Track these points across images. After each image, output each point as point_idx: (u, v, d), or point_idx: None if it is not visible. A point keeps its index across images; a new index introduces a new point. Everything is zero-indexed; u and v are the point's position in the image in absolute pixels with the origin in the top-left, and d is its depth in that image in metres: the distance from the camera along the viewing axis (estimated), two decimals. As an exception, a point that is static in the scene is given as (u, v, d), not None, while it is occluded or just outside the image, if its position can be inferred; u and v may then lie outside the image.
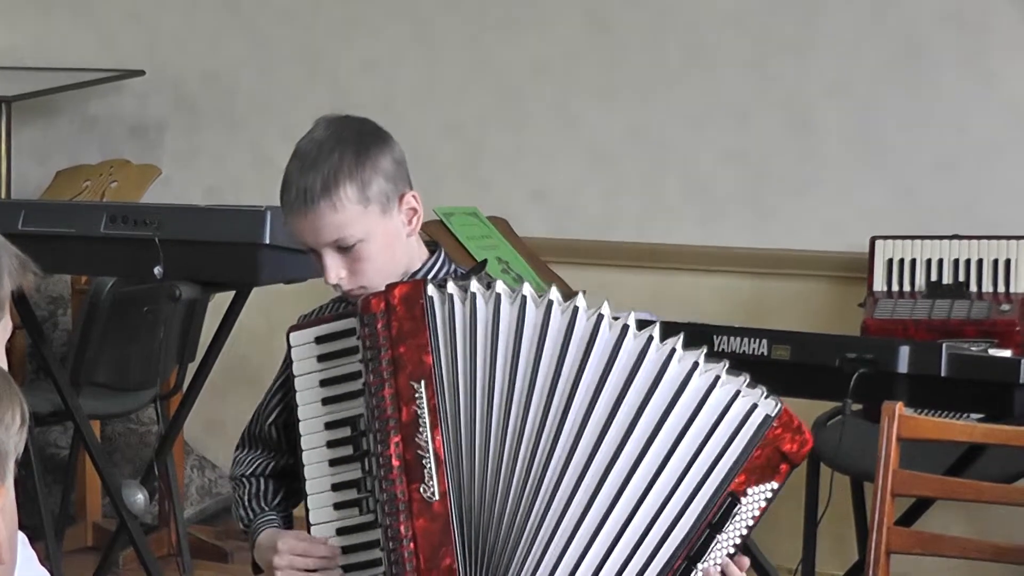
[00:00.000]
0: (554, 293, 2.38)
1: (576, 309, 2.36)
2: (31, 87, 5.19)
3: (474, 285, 2.39)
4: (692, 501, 2.35)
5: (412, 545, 2.34)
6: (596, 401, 2.34)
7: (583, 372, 2.34)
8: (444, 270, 2.59)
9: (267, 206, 3.63)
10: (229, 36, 5.32)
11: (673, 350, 2.37)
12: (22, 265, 2.19)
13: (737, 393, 2.36)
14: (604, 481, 2.33)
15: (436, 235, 4.33)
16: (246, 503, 2.65)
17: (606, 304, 2.38)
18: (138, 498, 4.01)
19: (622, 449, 2.33)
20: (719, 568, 2.37)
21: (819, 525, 3.83)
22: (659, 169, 4.76)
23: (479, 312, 2.37)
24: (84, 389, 4.26)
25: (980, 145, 4.38)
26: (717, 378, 2.36)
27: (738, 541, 2.38)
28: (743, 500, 2.37)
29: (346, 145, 2.49)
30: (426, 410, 2.36)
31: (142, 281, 3.98)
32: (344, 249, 2.48)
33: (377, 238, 2.48)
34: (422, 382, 2.36)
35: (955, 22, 4.39)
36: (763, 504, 2.38)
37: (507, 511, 2.34)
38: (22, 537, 2.19)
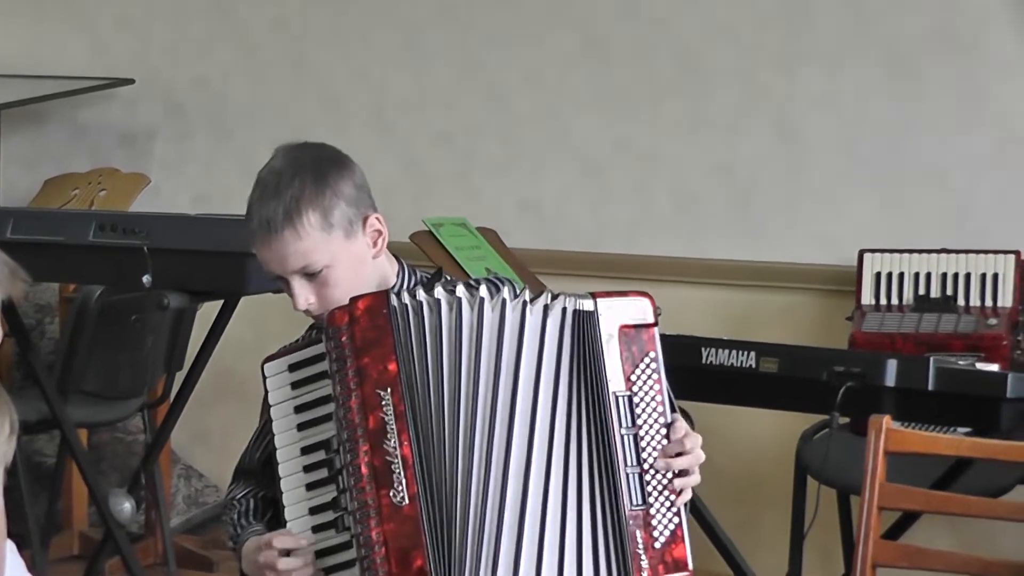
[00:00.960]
0: (507, 291, 2.42)
1: (523, 304, 2.40)
2: (21, 95, 5.18)
3: (437, 291, 2.42)
4: (581, 426, 2.38)
5: (384, 550, 2.36)
6: (498, 380, 2.39)
7: (519, 362, 2.39)
8: (413, 279, 2.63)
9: (256, 216, 3.62)
10: (219, 45, 5.32)
11: (524, 303, 2.41)
12: (12, 273, 2.19)
13: (546, 310, 2.39)
14: (512, 449, 2.37)
15: (424, 245, 4.34)
16: (235, 521, 2.66)
17: (547, 293, 2.43)
18: (125, 507, 4.00)
19: (514, 416, 2.37)
20: (663, 450, 2.40)
21: (805, 538, 3.83)
22: (648, 181, 4.77)
23: (443, 317, 2.40)
24: (71, 397, 4.25)
25: (968, 159, 4.39)
26: (525, 304, 2.39)
27: (665, 420, 2.41)
28: (633, 389, 2.40)
29: (306, 172, 2.50)
30: (393, 416, 2.38)
31: (130, 290, 3.97)
32: (311, 275, 2.50)
33: (343, 263, 2.51)
34: (388, 389, 2.38)
35: (943, 36, 4.40)
36: (655, 376, 2.41)
37: (471, 507, 2.36)
38: (10, 544, 2.19)
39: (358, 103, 5.11)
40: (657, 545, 2.38)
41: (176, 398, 4.10)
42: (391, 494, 2.36)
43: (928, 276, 4.22)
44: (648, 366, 2.42)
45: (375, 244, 2.56)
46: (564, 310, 2.41)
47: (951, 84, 4.40)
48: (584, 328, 2.41)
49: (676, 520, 2.40)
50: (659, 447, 2.41)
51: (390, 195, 5.01)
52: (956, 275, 4.20)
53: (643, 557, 2.37)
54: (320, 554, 2.45)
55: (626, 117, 4.77)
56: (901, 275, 4.24)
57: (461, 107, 4.99)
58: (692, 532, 3.05)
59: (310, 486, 2.46)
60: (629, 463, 2.39)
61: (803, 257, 4.56)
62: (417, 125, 5.03)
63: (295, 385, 2.49)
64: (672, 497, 2.40)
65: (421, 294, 2.42)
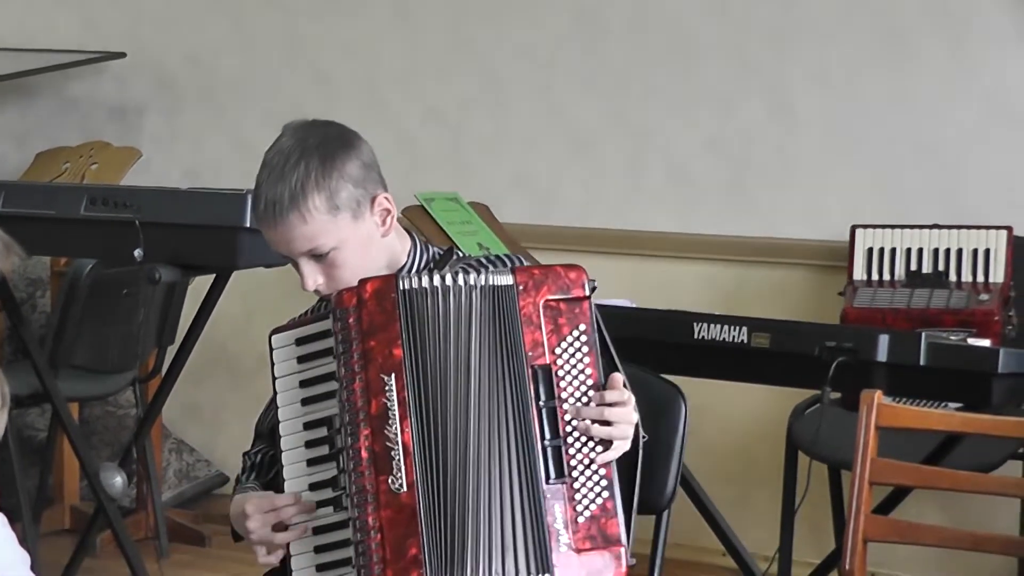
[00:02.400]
0: (490, 278, 2.42)
1: (490, 289, 2.40)
2: (11, 68, 5.17)
3: (447, 279, 2.41)
4: (507, 399, 2.38)
5: (379, 536, 2.36)
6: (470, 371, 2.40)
7: (471, 347, 2.40)
8: (425, 259, 2.61)
9: (247, 189, 3.59)
10: (210, 19, 5.31)
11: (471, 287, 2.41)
12: (6, 247, 2.18)
13: (489, 290, 2.40)
14: (493, 437, 2.38)
15: (416, 220, 4.33)
16: (241, 477, 2.66)
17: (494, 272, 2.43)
18: (116, 481, 4.00)
19: (481, 402, 2.39)
20: (585, 413, 2.38)
21: (796, 513, 3.84)
22: (640, 156, 4.76)
23: (443, 305, 2.40)
24: (62, 371, 4.25)
25: (961, 134, 4.39)
26: (486, 288, 2.40)
27: (589, 393, 2.39)
28: (556, 361, 2.39)
29: (311, 154, 2.48)
30: (395, 402, 2.37)
31: (122, 264, 3.96)
32: (319, 256, 2.50)
33: (350, 244, 2.50)
34: (392, 375, 2.38)
35: (936, 10, 4.39)
36: (585, 350, 2.40)
37: (469, 496, 2.36)
38: (1, 518, 2.19)
39: (350, 78, 5.10)
40: (581, 519, 2.36)
41: (167, 372, 4.10)
42: (389, 480, 2.35)
43: (920, 252, 4.22)
44: (577, 339, 2.40)
45: (383, 223, 2.55)
46: (483, 288, 2.40)
47: (943, 59, 4.39)
48: (502, 303, 2.40)
49: (606, 493, 2.37)
50: (583, 416, 2.39)
51: (382, 170, 5.02)
52: (948, 251, 4.20)
53: (562, 532, 2.35)
54: (316, 530, 2.44)
55: (618, 92, 4.77)
56: (893, 250, 4.24)
57: (453, 82, 4.98)
58: (683, 507, 3.06)
59: (311, 462, 2.46)
60: (547, 436, 2.38)
61: (795, 232, 4.56)
62: (409, 100, 5.02)
63: (301, 359, 2.48)
64: (598, 458, 2.38)
65: (426, 279, 2.41)
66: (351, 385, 2.39)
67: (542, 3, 4.84)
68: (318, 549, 2.44)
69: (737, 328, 3.36)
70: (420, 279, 2.41)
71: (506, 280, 2.41)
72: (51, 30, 5.45)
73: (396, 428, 2.37)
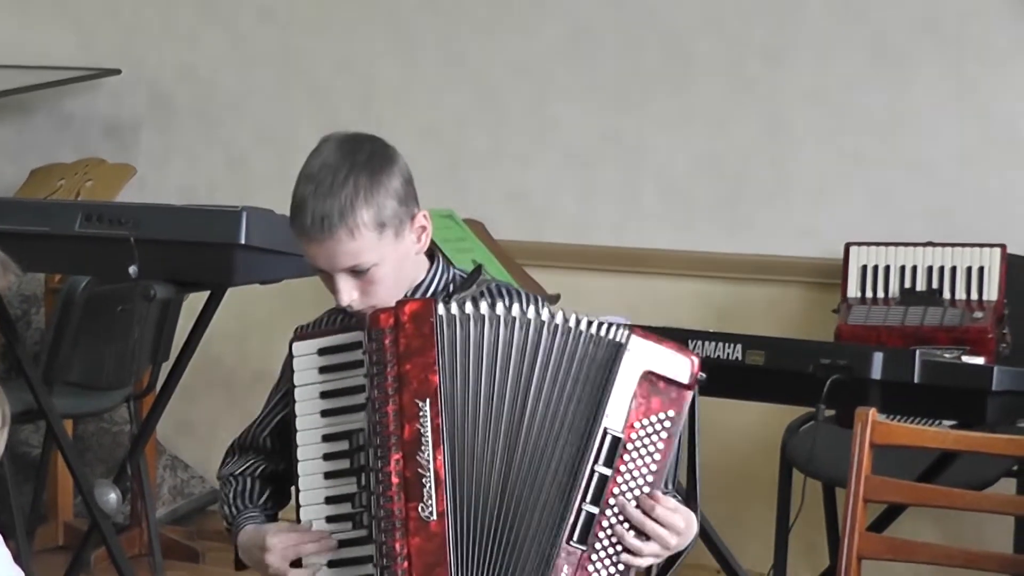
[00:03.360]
0: (559, 316, 2.41)
1: (580, 333, 2.39)
2: (6, 85, 5.16)
3: (483, 306, 2.40)
4: (565, 445, 2.37)
5: (406, 564, 2.34)
6: (537, 404, 2.39)
7: (543, 386, 2.39)
8: (445, 277, 2.60)
9: (243, 207, 3.62)
10: (206, 36, 5.31)
11: (559, 325, 2.40)
12: (3, 266, 2.18)
13: (579, 335, 2.39)
14: (538, 473, 2.37)
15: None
16: (231, 500, 2.64)
17: (584, 317, 2.41)
18: (110, 498, 4.00)
19: (540, 435, 2.38)
20: (633, 508, 2.37)
21: (791, 530, 3.84)
22: (635, 173, 4.77)
23: (485, 334, 2.39)
24: (57, 388, 4.24)
25: (955, 153, 4.40)
26: (576, 330, 2.39)
27: (647, 479, 2.37)
28: (631, 435, 2.37)
29: (360, 170, 2.46)
30: (429, 429, 2.35)
31: (116, 280, 3.96)
32: (358, 272, 2.47)
33: (390, 261, 2.48)
34: (427, 400, 2.36)
35: (931, 29, 4.40)
36: (664, 436, 2.38)
37: (502, 530, 2.35)
38: (-4, 536, 2.19)
39: (345, 94, 5.10)
40: None
41: (162, 389, 4.10)
42: (420, 508, 2.34)
43: (914, 269, 4.23)
44: (660, 422, 2.38)
45: (419, 240, 2.54)
46: (594, 335, 2.39)
47: (939, 77, 4.40)
48: (604, 353, 2.38)
49: None
50: (629, 500, 2.37)
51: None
52: (942, 268, 4.21)
53: None
54: None
55: (613, 109, 4.77)
56: (887, 268, 4.24)
57: (448, 99, 4.98)
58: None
59: (328, 475, 2.44)
60: (588, 499, 2.36)
61: (790, 250, 4.56)
62: (404, 116, 5.02)
63: (323, 370, 2.47)
64: (622, 556, 2.37)
65: (470, 306, 2.40)
66: (384, 408, 2.37)
67: (537, 20, 4.85)
68: (332, 564, 2.43)
69: (732, 345, 3.36)
70: (463, 306, 2.40)
71: (619, 335, 2.39)
72: (46, 47, 5.45)
73: (429, 455, 2.35)
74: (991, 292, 4.13)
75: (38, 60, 5.37)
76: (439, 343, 2.38)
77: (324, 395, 2.46)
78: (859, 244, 4.27)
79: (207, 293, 3.91)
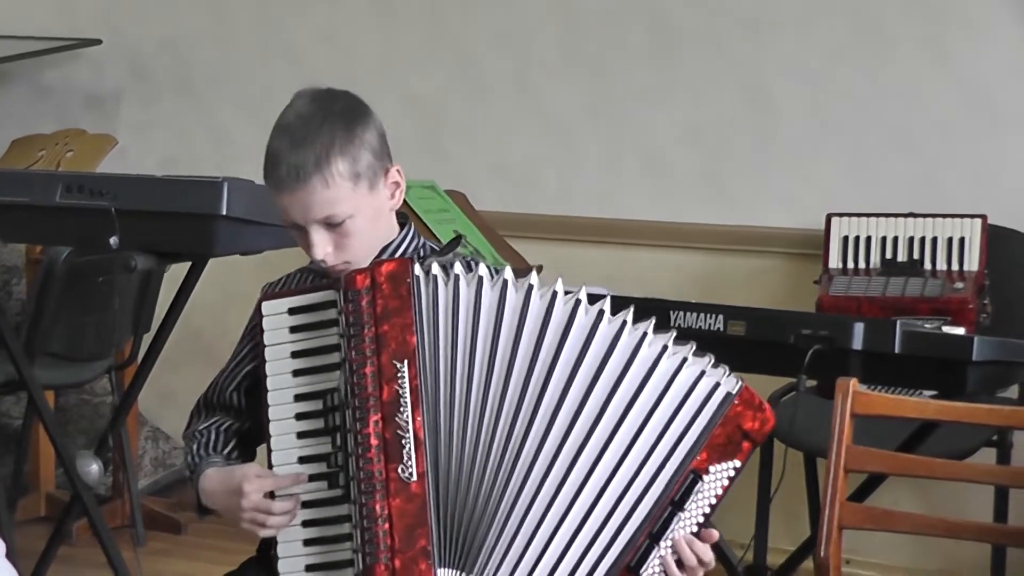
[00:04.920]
0: (534, 277, 2.39)
1: (555, 294, 2.37)
2: (-15, 55, 5.15)
3: (457, 267, 2.39)
4: (656, 478, 2.37)
5: (387, 525, 2.33)
6: (571, 384, 2.35)
7: (559, 356, 2.35)
8: (415, 244, 2.60)
9: (224, 177, 3.61)
10: (187, 6, 5.29)
11: (644, 334, 2.39)
12: None
13: (702, 373, 2.38)
14: (575, 462, 2.35)
15: (393, 208, 4.33)
16: (195, 451, 2.62)
17: (583, 289, 2.40)
18: (92, 469, 3.99)
19: (594, 430, 2.35)
20: (684, 543, 2.39)
21: (772, 501, 3.85)
22: (617, 145, 4.77)
23: (461, 295, 2.37)
24: (38, 359, 4.24)
25: (936, 124, 4.40)
26: (684, 360, 2.38)
27: (701, 519, 2.40)
28: (705, 478, 2.38)
29: (335, 120, 2.46)
30: (408, 390, 2.35)
31: (97, 251, 3.95)
32: (332, 225, 2.47)
33: (365, 213, 2.48)
34: (405, 362, 2.35)
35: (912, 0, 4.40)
36: (725, 483, 2.40)
37: (482, 493, 2.35)
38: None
39: (326, 66, 5.09)
40: None
41: (143, 360, 4.09)
42: (399, 469, 2.33)
43: (895, 240, 4.23)
44: (727, 470, 2.40)
45: (393, 196, 2.54)
46: (712, 382, 2.38)
47: (919, 48, 4.40)
48: (718, 403, 2.38)
49: None
50: (682, 537, 2.39)
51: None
52: (923, 239, 4.21)
53: None
54: (305, 504, 2.43)
55: (595, 80, 4.77)
56: (868, 239, 4.25)
57: (430, 70, 4.97)
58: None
59: (301, 434, 2.43)
60: (653, 529, 2.37)
61: (771, 221, 4.57)
62: (386, 88, 5.01)
63: (294, 329, 2.45)
64: None
65: (446, 268, 2.39)
66: (362, 369, 2.36)
67: (519, -9, 4.84)
68: (306, 524, 2.42)
69: (713, 316, 3.36)
70: (441, 267, 2.39)
71: (732, 386, 2.39)
72: (26, 17, 5.43)
73: (408, 416, 2.34)
74: (972, 263, 4.14)
75: (18, 30, 5.35)
76: (416, 304, 2.37)
77: (295, 355, 2.45)
78: (840, 215, 4.28)
79: (188, 264, 3.90)
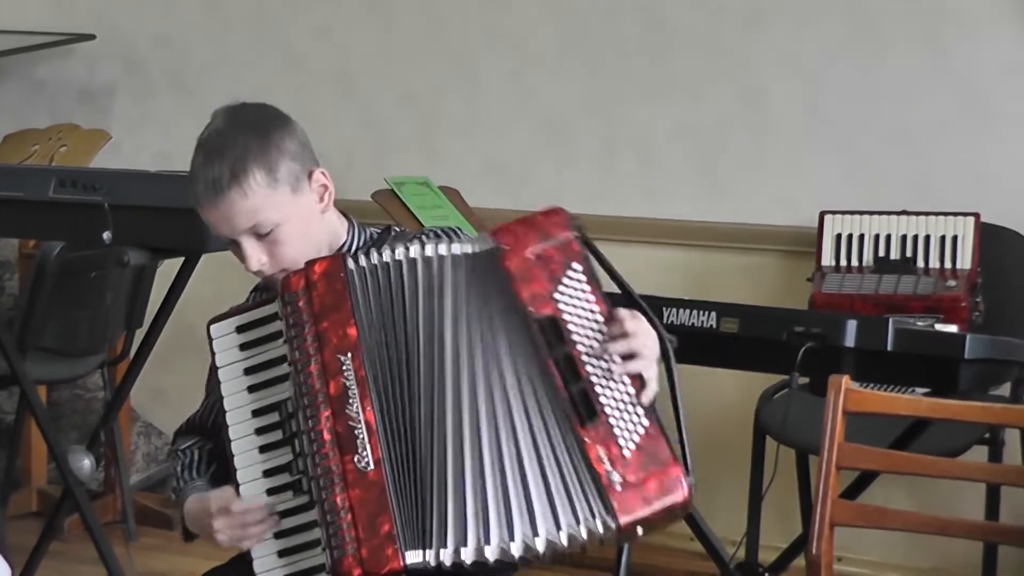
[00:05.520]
0: (454, 247, 2.42)
1: (464, 257, 2.40)
2: (-21, 49, 5.15)
3: (389, 254, 2.41)
4: (516, 365, 2.36)
5: (349, 516, 2.34)
6: (443, 337, 2.39)
7: (444, 318, 2.39)
8: (363, 236, 2.62)
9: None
10: (180, 2, 5.29)
11: (442, 257, 2.41)
12: None
13: (463, 259, 2.40)
14: (478, 414, 2.36)
15: (387, 204, 4.33)
16: (179, 473, 2.66)
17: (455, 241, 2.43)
18: (84, 464, 3.99)
19: (462, 369, 2.37)
20: (617, 361, 2.35)
21: (764, 498, 3.85)
22: (612, 142, 4.77)
23: (392, 280, 2.40)
24: (30, 354, 4.23)
25: (930, 122, 4.40)
26: (443, 259, 2.41)
27: (601, 326, 2.35)
28: (560, 307, 2.36)
29: (249, 131, 2.48)
30: (354, 381, 2.37)
31: (90, 246, 3.95)
32: (261, 235, 2.49)
33: (292, 220, 2.49)
34: (348, 354, 2.38)
35: (907, -1, 4.41)
36: (586, 286, 2.37)
37: (435, 469, 2.35)
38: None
39: (321, 62, 5.09)
40: (627, 453, 2.31)
41: (136, 355, 4.09)
42: (355, 459, 2.34)
43: (888, 238, 4.24)
44: (573, 279, 2.38)
45: (322, 199, 2.54)
46: (467, 255, 2.40)
47: (914, 46, 4.41)
48: (486, 268, 2.39)
49: (646, 420, 2.32)
50: (611, 359, 2.34)
51: (353, 154, 5.02)
52: (916, 237, 4.21)
53: (612, 472, 2.30)
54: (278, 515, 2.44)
55: (590, 77, 4.77)
56: (861, 236, 4.25)
57: (425, 66, 4.97)
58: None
59: (263, 448, 2.45)
60: (570, 383, 2.34)
61: (765, 218, 4.57)
62: (381, 84, 5.01)
63: (244, 347, 2.48)
64: (633, 398, 2.33)
65: (375, 256, 2.41)
66: (307, 368, 2.38)
67: (514, -13, 4.84)
68: (279, 535, 2.43)
69: (706, 313, 3.36)
70: (369, 256, 2.41)
71: (486, 245, 2.40)
72: (19, 11, 5.42)
73: (357, 407, 2.36)
74: (965, 261, 4.15)
75: (12, 24, 5.34)
76: (352, 296, 2.39)
77: (248, 371, 2.47)
78: (833, 212, 4.28)
79: (181, 260, 3.90)
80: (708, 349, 3.40)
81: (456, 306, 2.39)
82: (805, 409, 3.45)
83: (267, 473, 2.44)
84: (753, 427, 3.99)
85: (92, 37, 5.28)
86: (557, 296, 2.38)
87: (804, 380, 3.44)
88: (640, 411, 2.34)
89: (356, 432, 2.35)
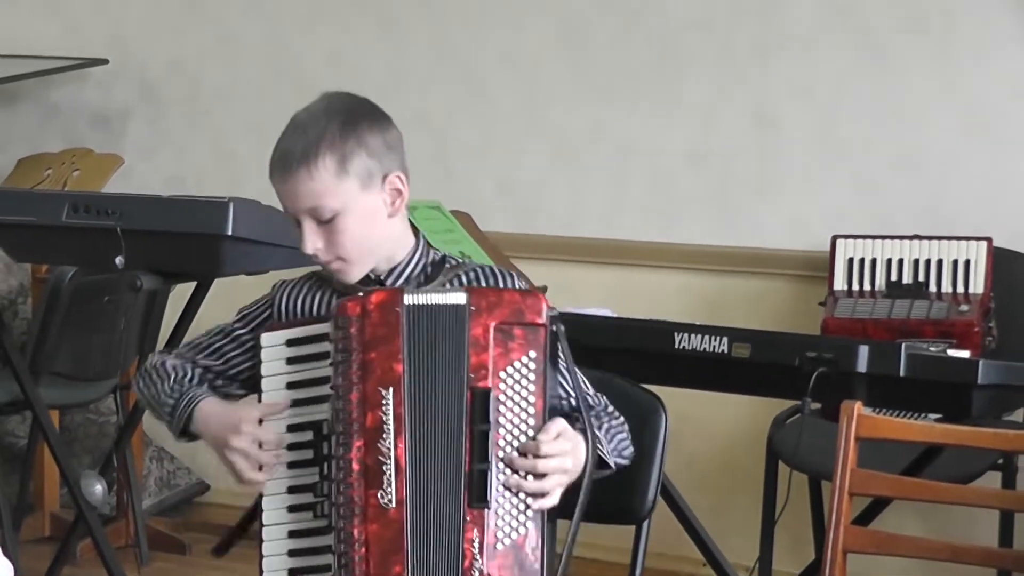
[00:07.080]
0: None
1: (435, 308, 2.40)
2: (-7, 74, 5.16)
3: (449, 295, 2.41)
4: (438, 424, 2.37)
5: (363, 550, 2.35)
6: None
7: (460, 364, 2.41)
8: (424, 260, 2.59)
9: (230, 197, 3.62)
10: (194, 26, 5.31)
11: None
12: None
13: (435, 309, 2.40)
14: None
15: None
16: (171, 385, 2.61)
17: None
18: (96, 489, 4.00)
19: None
20: (516, 450, 2.37)
21: (777, 523, 3.84)
22: (624, 166, 4.77)
23: (447, 323, 2.39)
24: (43, 378, 4.24)
25: (942, 146, 4.40)
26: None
27: (530, 422, 2.37)
28: (500, 387, 2.37)
29: (337, 117, 2.50)
30: (392, 417, 2.36)
31: (103, 271, 3.96)
32: (322, 221, 2.48)
33: (354, 212, 2.48)
34: (390, 389, 2.37)
35: (918, 23, 4.41)
36: (532, 378, 2.37)
37: (450, 520, 2.36)
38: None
39: (333, 86, 5.04)
40: (499, 547, 2.34)
41: (149, 380, 4.08)
42: (379, 495, 2.35)
43: (900, 262, 4.23)
44: (525, 365, 2.38)
45: (392, 203, 2.54)
46: (440, 305, 2.40)
47: (925, 71, 4.41)
48: (451, 321, 2.39)
49: (530, 524, 2.36)
50: (515, 445, 2.37)
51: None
52: (928, 261, 4.21)
53: (477, 558, 2.33)
54: (293, 535, 2.44)
55: (602, 102, 4.78)
56: (874, 261, 4.25)
57: (437, 91, 4.98)
58: (663, 517, 3.06)
59: (292, 465, 2.45)
60: (476, 460, 2.36)
61: (776, 243, 4.57)
62: (393, 108, 4.94)
63: (291, 360, 2.48)
64: (528, 501, 2.36)
65: (436, 296, 2.41)
66: (348, 395, 2.38)
67: (527, 12, 4.85)
68: (292, 553, 2.44)
69: (718, 338, 3.36)
70: (429, 295, 2.41)
71: (459, 299, 2.40)
72: (33, 36, 5.44)
73: (391, 443, 2.36)
74: (977, 285, 4.14)
75: (25, 49, 5.36)
76: (404, 332, 2.38)
77: (290, 385, 2.47)
78: (846, 237, 4.28)
79: (194, 284, 3.91)
80: (720, 374, 3.39)
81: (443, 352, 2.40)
82: (818, 434, 3.44)
83: (291, 489, 2.45)
84: (766, 453, 3.98)
85: (105, 62, 5.30)
86: (502, 375, 2.38)
87: (816, 406, 3.43)
88: (528, 514, 2.37)
89: (384, 468, 2.35)
